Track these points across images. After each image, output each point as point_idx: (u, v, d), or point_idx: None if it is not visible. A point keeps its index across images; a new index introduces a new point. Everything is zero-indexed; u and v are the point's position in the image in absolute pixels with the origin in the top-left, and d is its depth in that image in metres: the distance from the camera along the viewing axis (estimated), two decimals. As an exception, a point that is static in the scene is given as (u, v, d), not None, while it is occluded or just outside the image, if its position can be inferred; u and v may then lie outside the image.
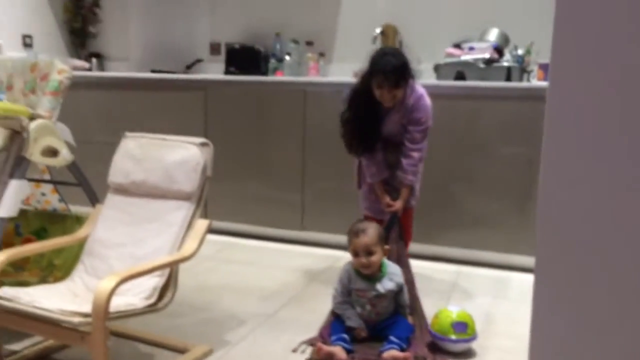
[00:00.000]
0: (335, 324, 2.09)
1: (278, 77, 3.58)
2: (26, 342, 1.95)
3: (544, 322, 1.03)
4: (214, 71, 3.94)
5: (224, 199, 3.48)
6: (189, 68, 3.98)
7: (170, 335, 2.06)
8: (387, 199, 2.48)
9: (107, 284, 1.56)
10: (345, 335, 2.01)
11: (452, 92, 3.04)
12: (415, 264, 3.01)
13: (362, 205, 2.67)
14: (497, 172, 2.97)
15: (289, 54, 3.73)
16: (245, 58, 3.78)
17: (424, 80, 3.45)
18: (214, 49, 4.02)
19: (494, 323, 2.28)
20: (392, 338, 1.98)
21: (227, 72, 3.76)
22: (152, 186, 1.97)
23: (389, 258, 2.24)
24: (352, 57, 3.73)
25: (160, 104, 3.56)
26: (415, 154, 2.45)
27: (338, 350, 1.93)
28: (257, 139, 3.40)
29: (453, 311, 2.06)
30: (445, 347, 2.02)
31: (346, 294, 2.13)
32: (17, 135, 1.89)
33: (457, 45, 3.37)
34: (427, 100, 2.46)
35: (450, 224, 3.07)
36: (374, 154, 2.48)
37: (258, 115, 3.39)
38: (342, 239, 3.27)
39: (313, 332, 2.15)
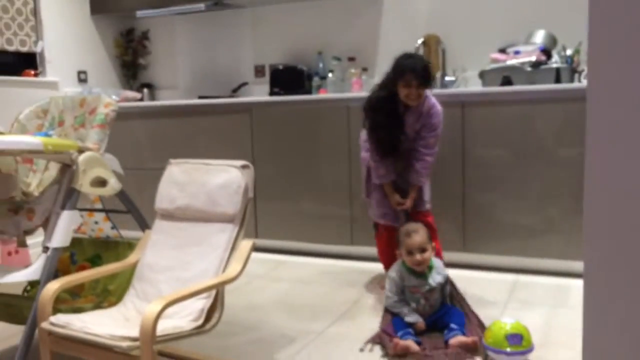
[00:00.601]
0: (397, 321, 2.21)
1: (321, 95, 3.60)
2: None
3: (594, 331, 0.98)
4: (259, 93, 4.01)
5: (273, 218, 3.52)
6: (235, 92, 4.07)
7: (221, 355, 2.08)
8: (398, 197, 2.61)
9: (154, 308, 1.59)
10: (410, 330, 2.15)
11: (500, 98, 2.97)
12: (469, 275, 2.97)
13: (377, 213, 2.71)
14: (551, 177, 2.87)
15: (331, 71, 3.75)
16: (288, 78, 3.83)
17: (470, 87, 3.42)
18: (259, 71, 4.09)
19: (552, 333, 2.18)
20: (453, 325, 2.14)
21: (271, 93, 3.82)
22: (196, 210, 2.01)
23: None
24: (395, 69, 3.73)
25: (208, 128, 3.65)
26: (429, 158, 2.59)
27: (411, 343, 2.06)
28: (303, 156, 3.43)
29: (507, 323, 1.98)
30: (500, 362, 1.95)
31: (400, 293, 2.29)
32: (68, 168, 1.97)
33: (503, 50, 3.30)
34: (440, 107, 2.59)
35: (505, 231, 2.98)
36: (388, 157, 2.58)
37: (303, 133, 3.42)
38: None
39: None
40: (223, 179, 1.99)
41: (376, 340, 2.18)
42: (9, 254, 3.17)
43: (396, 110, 2.51)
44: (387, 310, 2.31)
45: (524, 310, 2.43)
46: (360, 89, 3.70)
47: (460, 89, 3.41)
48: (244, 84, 4.07)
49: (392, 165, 2.59)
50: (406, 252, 2.28)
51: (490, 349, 1.95)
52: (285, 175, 3.48)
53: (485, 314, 2.31)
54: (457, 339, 2.07)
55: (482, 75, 3.24)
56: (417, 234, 2.27)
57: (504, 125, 2.95)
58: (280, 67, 3.86)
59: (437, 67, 3.54)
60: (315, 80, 3.79)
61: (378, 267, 3.15)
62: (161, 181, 2.11)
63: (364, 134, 2.71)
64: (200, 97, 4.00)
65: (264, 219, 3.55)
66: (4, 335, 2.30)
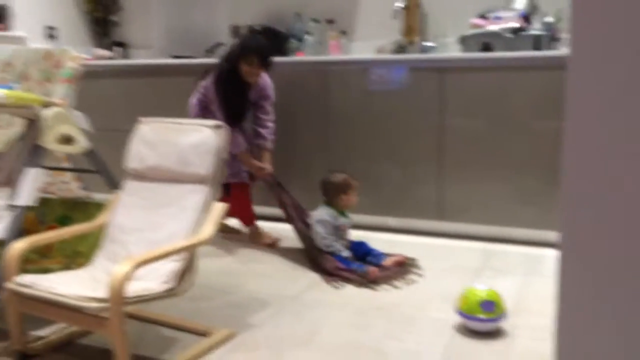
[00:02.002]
0: (339, 258, 2.55)
1: (298, 58, 3.52)
2: (53, 328, 1.97)
3: (569, 298, 0.97)
4: (236, 54, 3.90)
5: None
6: (209, 52, 3.95)
7: (193, 319, 2.06)
8: (257, 162, 2.88)
9: (122, 268, 1.55)
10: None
11: (479, 65, 2.93)
12: (443, 243, 2.98)
13: (228, 173, 2.82)
14: (527, 146, 2.86)
15: (309, 33, 3.66)
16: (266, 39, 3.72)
17: (450, 53, 3.37)
18: (234, 31, 3.97)
19: (525, 301, 2.20)
20: (374, 251, 2.61)
21: (248, 54, 3.72)
22: (167, 170, 1.95)
23: (288, 207, 2.83)
24: (374, 33, 3.65)
25: (181, 89, 3.54)
26: (271, 124, 2.98)
27: (375, 269, 2.45)
28: (279, 121, 3.36)
29: (481, 290, 1.99)
30: (473, 327, 1.96)
31: (333, 233, 2.63)
32: (33, 124, 1.89)
33: (483, 16, 3.25)
34: (270, 81, 2.97)
35: (479, 200, 2.98)
36: (241, 125, 2.86)
37: (279, 97, 3.34)
38: (370, 219, 3.25)
39: (337, 311, 2.12)
40: (195, 138, 1.93)
41: (337, 279, 2.43)
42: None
43: (241, 83, 2.81)
44: (321, 251, 2.58)
45: (497, 279, 2.45)
46: (339, 52, 3.63)
47: (438, 54, 3.37)
48: (219, 44, 3.96)
49: (243, 135, 2.85)
50: (344, 194, 2.66)
51: (464, 315, 1.96)
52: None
53: (459, 283, 2.32)
54: (390, 259, 2.53)
55: (462, 40, 3.19)
56: (355, 181, 2.71)
57: (482, 92, 2.92)
58: (257, 27, 3.75)
59: (417, 32, 3.48)
60: (293, 43, 3.70)
61: (354, 233, 3.15)
62: (131, 140, 2.04)
63: (194, 99, 2.96)
64: (174, 57, 3.89)
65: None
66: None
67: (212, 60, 3.50)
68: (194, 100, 2.98)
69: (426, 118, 3.03)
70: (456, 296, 2.04)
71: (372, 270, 2.44)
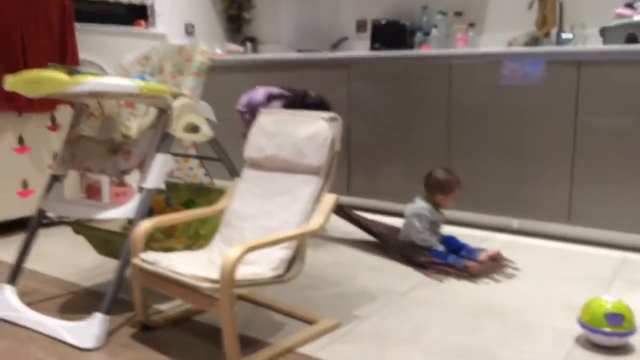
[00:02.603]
0: (436, 252, 2.56)
1: (422, 51, 3.45)
2: (172, 304, 2.11)
3: None
4: (360, 48, 3.92)
5: (365, 175, 3.47)
6: (335, 46, 4.01)
7: (302, 306, 2.10)
8: None
9: (234, 252, 1.61)
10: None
11: (624, 57, 2.67)
12: (572, 248, 2.77)
13: None
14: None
15: (435, 26, 3.57)
16: (391, 34, 3.70)
17: (590, 45, 3.11)
18: (360, 26, 3.99)
19: (660, 319, 1.97)
20: (468, 247, 2.61)
21: (372, 48, 3.72)
22: (282, 160, 2.00)
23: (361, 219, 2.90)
24: (505, 26, 3.48)
25: (306, 82, 3.62)
26: None
27: (475, 263, 2.45)
28: (400, 114, 3.32)
29: (608, 301, 1.82)
30: (596, 341, 1.80)
31: (428, 227, 2.64)
32: (163, 113, 2.03)
33: (629, 5, 2.97)
34: None
35: (615, 204, 2.73)
36: None
37: (402, 91, 3.30)
38: (487, 218, 3.11)
39: (447, 311, 2.05)
40: (310, 130, 1.96)
41: (438, 274, 2.44)
42: (117, 195, 3.38)
43: None
44: (415, 245, 2.61)
45: (629, 291, 2.23)
46: (466, 45, 3.50)
47: (577, 46, 3.12)
48: (344, 38, 4.00)
49: None
50: (444, 194, 2.65)
51: (587, 327, 1.81)
52: (380, 133, 3.39)
53: (586, 292, 2.15)
54: (485, 254, 2.50)
55: (604, 32, 2.94)
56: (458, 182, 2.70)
57: (625, 88, 2.66)
58: (383, 22, 3.73)
59: (554, 23, 3.25)
60: (418, 36, 3.63)
61: (473, 232, 3.04)
62: (251, 131, 2.12)
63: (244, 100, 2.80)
64: (300, 51, 3.98)
65: (356, 176, 3.51)
66: (108, 267, 2.47)
67: (338, 54, 3.54)
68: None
69: (560, 115, 2.82)
70: (581, 306, 1.88)
71: (472, 264, 2.43)
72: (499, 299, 2.19)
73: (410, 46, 3.63)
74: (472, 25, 3.55)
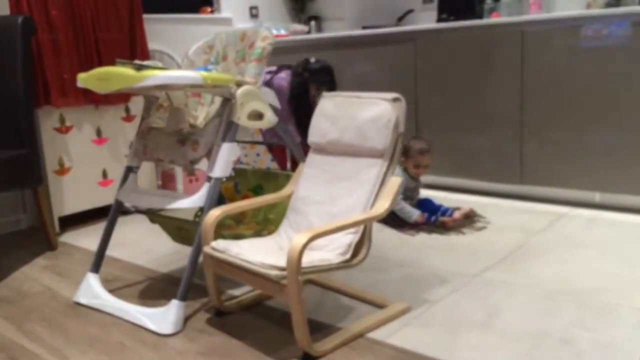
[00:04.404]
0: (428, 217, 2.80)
1: (493, 19, 3.29)
2: (244, 289, 2.16)
3: None
4: (426, 21, 3.80)
5: (437, 153, 3.38)
6: (400, 20, 3.90)
7: (371, 290, 2.09)
8: None
9: (300, 240, 1.62)
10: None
11: None
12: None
13: None
14: None
15: (506, -9, 3.40)
16: (458, 3, 3.56)
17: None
18: (426, -3, 3.86)
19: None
20: (443, 207, 2.85)
21: (439, 19, 3.59)
22: (346, 144, 1.98)
23: None
24: (583, -15, 3.26)
25: (371, 59, 3.57)
26: None
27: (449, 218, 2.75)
28: (470, 88, 3.20)
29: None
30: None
31: (401, 192, 2.78)
32: (228, 102, 2.06)
33: None
34: None
35: None
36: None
37: (471, 63, 3.18)
38: (565, 193, 2.97)
39: (522, 294, 1.99)
40: (373, 112, 1.92)
41: (411, 229, 2.72)
42: (190, 181, 3.49)
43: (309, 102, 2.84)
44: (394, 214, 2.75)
45: None
46: (539, 10, 3.31)
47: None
48: (410, 11, 3.88)
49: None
50: (414, 165, 2.84)
51: (674, 310, 1.69)
52: (449, 108, 3.29)
53: None
54: (457, 212, 2.77)
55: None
56: (429, 153, 2.87)
57: None
58: (449, -9, 3.59)
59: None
60: (488, 3, 3.47)
61: (549, 208, 2.92)
62: (314, 115, 2.11)
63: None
64: (364, 28, 3.91)
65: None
66: (183, 254, 2.56)
67: (403, 28, 3.45)
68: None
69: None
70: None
71: (447, 219, 2.73)
72: (576, 280, 2.09)
73: (479, 14, 3.47)
74: (545, -13, 3.35)
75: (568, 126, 2.90)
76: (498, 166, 3.16)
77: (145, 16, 3.33)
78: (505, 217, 2.86)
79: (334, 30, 4.29)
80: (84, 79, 1.96)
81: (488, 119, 3.16)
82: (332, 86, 2.90)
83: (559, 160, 2.94)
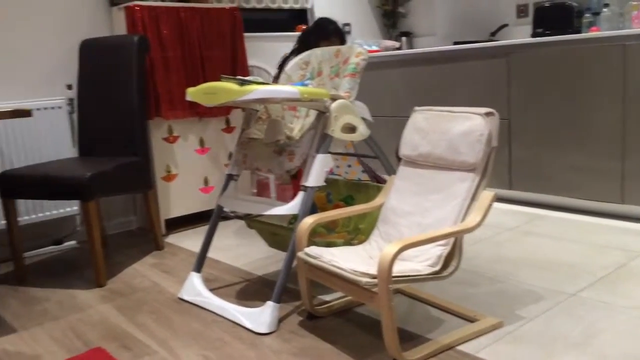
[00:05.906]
0: None
1: (592, 33, 3.19)
2: (336, 295, 2.23)
3: None
4: (520, 35, 3.74)
5: (529, 169, 3.32)
6: (493, 35, 3.87)
7: (461, 303, 2.09)
8: None
9: (391, 249, 1.67)
10: None
11: None
12: None
13: None
14: None
15: (606, 5, 3.29)
16: (555, 16, 3.48)
17: None
18: (521, 11, 3.81)
19: None
20: None
21: (534, 34, 3.53)
22: (437, 158, 2.01)
23: None
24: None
25: (463, 74, 3.56)
26: None
27: None
28: (567, 103, 3.12)
29: None
30: None
31: None
32: (322, 115, 2.15)
33: None
34: None
35: None
36: None
37: (568, 78, 3.10)
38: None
39: (621, 315, 1.91)
40: (465, 126, 1.94)
41: None
42: (283, 189, 3.62)
43: None
44: None
45: None
46: (644, 23, 3.18)
47: None
48: (504, 25, 3.84)
49: None
50: None
51: None
52: (543, 123, 3.22)
53: None
54: None
55: None
56: None
57: None
58: (547, 4, 3.52)
59: None
60: (587, 17, 3.37)
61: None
62: (405, 128, 2.16)
63: None
64: (456, 43, 3.91)
65: (519, 169, 3.37)
66: (277, 258, 2.68)
67: (497, 43, 3.42)
68: None
69: None
70: None
71: None
72: (683, 304, 1.99)
73: (577, 29, 3.38)
74: (651, -1, 3.21)
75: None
76: (597, 184, 3.05)
77: (245, 34, 3.53)
78: (605, 236, 2.76)
79: (426, 46, 4.32)
80: (192, 93, 2.12)
81: (586, 135, 3.06)
82: (339, 34, 2.95)
83: (664, 178, 2.80)
